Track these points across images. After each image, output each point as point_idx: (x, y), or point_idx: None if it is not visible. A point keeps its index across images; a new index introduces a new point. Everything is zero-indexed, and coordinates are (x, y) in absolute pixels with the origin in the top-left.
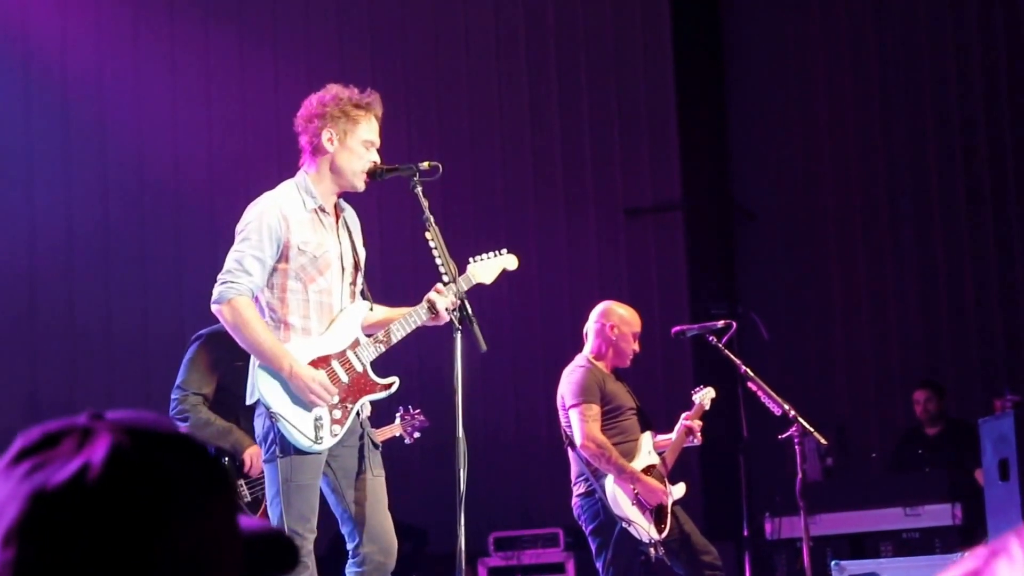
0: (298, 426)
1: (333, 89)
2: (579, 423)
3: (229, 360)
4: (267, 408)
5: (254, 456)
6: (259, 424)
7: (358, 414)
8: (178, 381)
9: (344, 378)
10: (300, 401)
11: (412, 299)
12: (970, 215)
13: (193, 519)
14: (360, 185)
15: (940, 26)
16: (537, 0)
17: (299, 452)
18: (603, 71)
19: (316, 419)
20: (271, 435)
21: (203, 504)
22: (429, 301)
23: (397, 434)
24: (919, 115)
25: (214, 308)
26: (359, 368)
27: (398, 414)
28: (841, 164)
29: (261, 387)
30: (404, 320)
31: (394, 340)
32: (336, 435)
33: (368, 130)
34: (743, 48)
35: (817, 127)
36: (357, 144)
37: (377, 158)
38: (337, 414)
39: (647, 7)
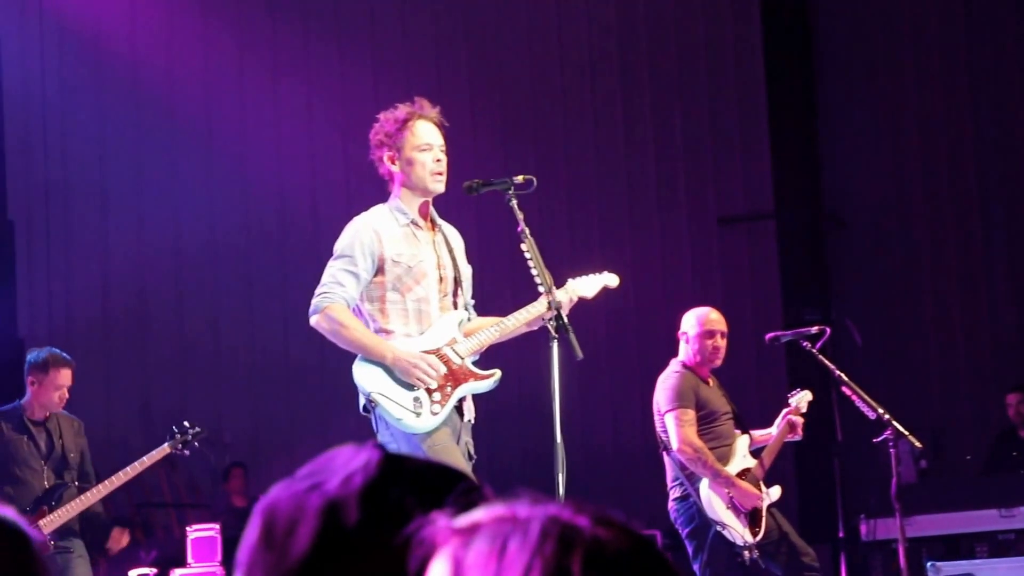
0: (399, 401)
1: (380, 118)
2: (675, 427)
3: None
4: (367, 394)
5: None
6: (374, 425)
7: (460, 411)
8: None
9: (442, 369)
10: (399, 381)
11: (509, 310)
12: None
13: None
14: (433, 187)
15: None
16: (630, 15)
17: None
18: (695, 82)
19: (415, 399)
20: (380, 424)
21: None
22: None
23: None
24: (1009, 120)
25: (312, 321)
26: (457, 361)
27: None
28: (931, 170)
29: (358, 378)
30: (500, 324)
31: (486, 339)
32: (436, 414)
33: (416, 136)
34: (833, 57)
35: (907, 134)
36: (413, 152)
37: (440, 156)
38: (437, 396)
39: (738, 19)
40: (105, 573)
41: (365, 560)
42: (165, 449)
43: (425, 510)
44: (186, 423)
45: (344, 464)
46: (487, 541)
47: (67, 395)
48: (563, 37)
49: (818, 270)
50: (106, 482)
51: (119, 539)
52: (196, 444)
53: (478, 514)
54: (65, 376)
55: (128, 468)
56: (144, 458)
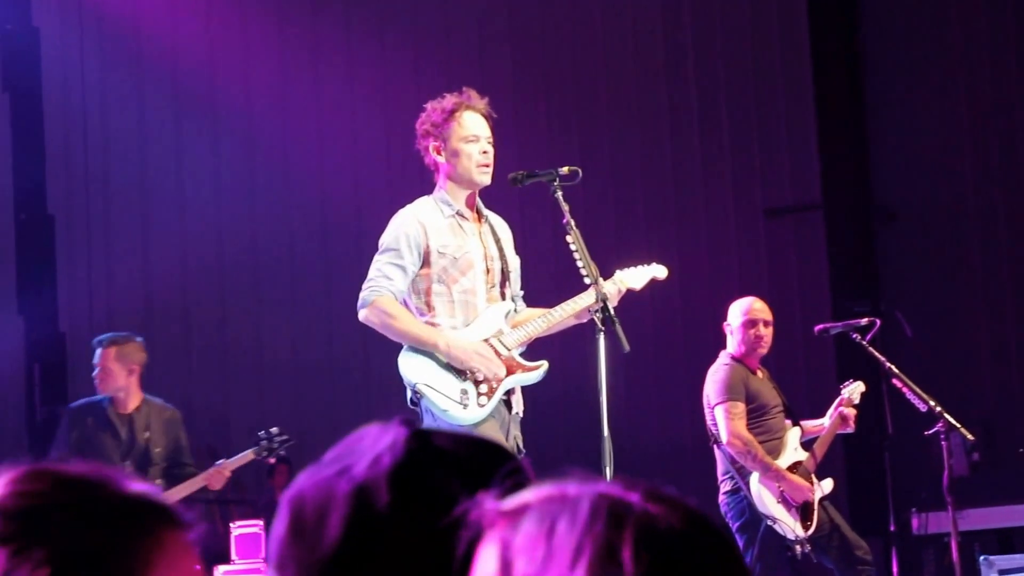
0: (445, 392)
1: (427, 107)
2: (724, 420)
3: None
4: (412, 385)
5: None
6: (421, 417)
7: (508, 404)
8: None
9: (496, 360)
10: (444, 373)
11: (554, 303)
12: None
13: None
14: (479, 179)
15: None
16: (674, 3)
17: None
18: (741, 72)
19: (462, 391)
20: (426, 416)
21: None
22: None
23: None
24: None
25: (361, 315)
26: (504, 352)
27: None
28: (982, 159)
29: (404, 369)
30: (547, 316)
31: (533, 331)
32: (483, 406)
33: (463, 127)
34: (881, 47)
35: (957, 122)
36: (460, 143)
37: (487, 148)
38: (484, 388)
39: (784, 8)
40: None
41: (401, 544)
42: (249, 455)
43: (470, 492)
44: (274, 429)
45: (371, 445)
46: (535, 522)
47: (103, 376)
48: (607, 29)
49: (867, 261)
50: (187, 483)
51: (220, 477)
52: (283, 453)
53: (526, 495)
54: (96, 356)
55: (210, 470)
56: (227, 461)
